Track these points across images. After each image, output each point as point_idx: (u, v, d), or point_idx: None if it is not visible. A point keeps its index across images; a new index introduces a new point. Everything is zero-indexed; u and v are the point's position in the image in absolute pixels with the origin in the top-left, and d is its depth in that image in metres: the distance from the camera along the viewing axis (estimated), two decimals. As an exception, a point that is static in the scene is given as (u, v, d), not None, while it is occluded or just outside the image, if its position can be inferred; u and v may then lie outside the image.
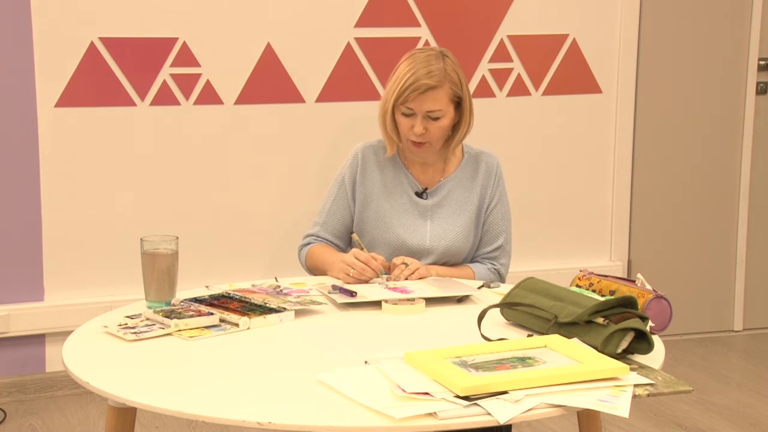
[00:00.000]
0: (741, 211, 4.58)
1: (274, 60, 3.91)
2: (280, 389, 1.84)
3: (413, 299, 2.37)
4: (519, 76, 4.21)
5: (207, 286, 2.50)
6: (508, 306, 2.20)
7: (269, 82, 3.91)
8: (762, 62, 4.51)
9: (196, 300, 2.33)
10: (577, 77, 4.29)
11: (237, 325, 2.18)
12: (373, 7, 3.98)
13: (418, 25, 4.04)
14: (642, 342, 1.97)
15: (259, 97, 3.91)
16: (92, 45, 3.70)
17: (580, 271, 2.54)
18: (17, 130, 3.69)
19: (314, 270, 2.83)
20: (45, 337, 3.80)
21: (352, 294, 2.40)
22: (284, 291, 2.46)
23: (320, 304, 2.37)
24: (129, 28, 3.74)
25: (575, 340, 1.98)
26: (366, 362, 1.91)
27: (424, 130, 2.72)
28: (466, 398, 1.70)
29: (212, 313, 2.21)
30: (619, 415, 1.70)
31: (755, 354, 4.40)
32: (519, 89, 4.22)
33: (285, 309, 2.27)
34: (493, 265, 2.85)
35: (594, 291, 2.40)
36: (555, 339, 1.96)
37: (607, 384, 1.79)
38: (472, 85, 4.11)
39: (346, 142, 3.30)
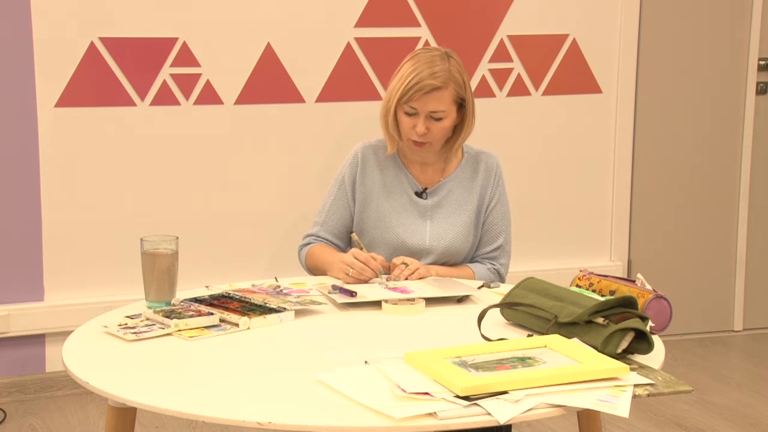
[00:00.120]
0: (741, 211, 4.58)
1: (274, 60, 3.91)
2: (280, 389, 1.84)
3: (413, 299, 2.37)
4: (519, 76, 4.21)
5: (207, 286, 2.50)
6: (508, 306, 2.20)
7: (269, 82, 3.91)
8: (762, 62, 4.51)
9: (196, 300, 2.33)
10: (577, 77, 4.29)
11: (237, 325, 2.18)
12: (373, 7, 3.98)
13: (418, 25, 4.04)
14: (642, 342, 1.97)
15: (259, 97, 3.91)
16: (92, 45, 3.71)
17: (580, 271, 2.54)
18: (17, 130, 3.69)
19: (314, 270, 2.83)
20: (45, 337, 3.80)
21: (352, 294, 2.40)
22: (284, 291, 2.46)
23: (320, 304, 2.37)
24: (129, 28, 3.74)
25: (575, 340, 1.98)
26: (366, 362, 1.91)
27: (426, 130, 2.72)
28: (466, 398, 1.70)
29: (212, 313, 2.21)
30: (619, 415, 1.70)
31: (755, 354, 4.40)
32: (519, 89, 4.22)
33: (285, 309, 2.27)
34: (493, 265, 2.85)
35: (594, 291, 2.40)
36: (555, 339, 1.96)
37: (607, 384, 1.79)
38: (472, 85, 4.10)
39: (346, 142, 3.30)
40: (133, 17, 3.74)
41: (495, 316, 2.21)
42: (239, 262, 3.94)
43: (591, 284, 2.44)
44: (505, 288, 2.54)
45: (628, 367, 1.83)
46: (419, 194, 2.83)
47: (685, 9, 4.40)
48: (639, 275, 2.43)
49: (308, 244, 2.88)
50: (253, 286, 2.51)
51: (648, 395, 1.79)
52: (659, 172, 4.48)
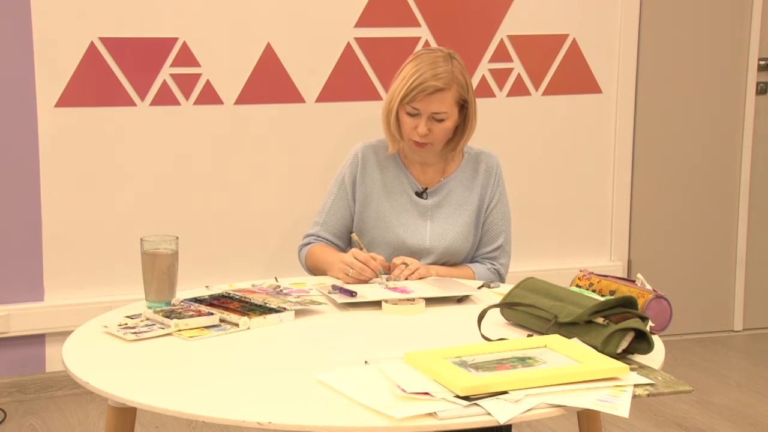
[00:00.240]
0: (741, 211, 4.58)
1: (274, 60, 3.91)
2: (280, 389, 1.84)
3: (413, 299, 2.37)
4: (519, 76, 4.21)
5: (207, 286, 2.50)
6: (508, 306, 2.20)
7: (269, 82, 3.91)
8: (762, 62, 4.51)
9: (196, 300, 2.33)
10: (577, 77, 4.29)
11: (237, 325, 2.18)
12: (373, 7, 3.98)
13: (418, 25, 4.04)
14: (642, 342, 1.97)
15: (259, 97, 3.91)
16: (92, 45, 3.71)
17: (580, 271, 2.54)
18: (17, 130, 3.69)
19: (314, 270, 2.83)
20: (45, 337, 3.80)
21: (352, 294, 2.40)
22: (284, 291, 2.46)
23: (320, 304, 2.37)
24: (129, 28, 3.74)
25: (575, 340, 1.98)
26: (366, 362, 1.91)
27: (428, 130, 2.72)
28: (466, 398, 1.70)
29: (212, 313, 2.21)
30: (619, 415, 1.70)
31: (755, 354, 4.40)
32: (519, 89, 4.22)
33: (285, 309, 2.27)
34: (493, 265, 2.85)
35: (594, 291, 2.40)
36: (555, 339, 1.96)
37: (607, 384, 1.79)
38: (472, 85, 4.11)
39: (346, 142, 3.30)
40: (133, 17, 3.74)
41: (495, 316, 2.21)
42: (239, 262, 3.94)
43: (591, 284, 2.44)
44: (505, 288, 2.54)
45: (628, 367, 1.83)
46: (419, 194, 2.83)
47: (685, 9, 4.40)
48: (639, 275, 2.43)
49: (308, 244, 2.88)
50: (253, 286, 2.51)
51: (648, 395, 1.79)
52: (659, 172, 4.48)
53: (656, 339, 2.05)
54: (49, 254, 3.77)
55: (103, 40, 3.71)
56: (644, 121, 4.42)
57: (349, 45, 3.98)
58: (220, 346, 2.09)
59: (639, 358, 1.97)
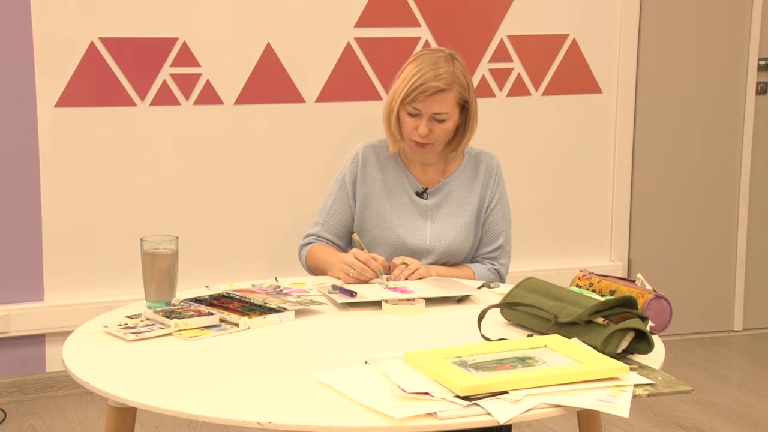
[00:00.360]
0: (741, 211, 4.58)
1: (274, 60, 3.91)
2: (280, 389, 1.84)
3: (413, 299, 2.37)
4: (519, 76, 4.21)
5: (207, 286, 2.50)
6: (508, 306, 2.20)
7: (269, 82, 3.91)
8: (762, 62, 4.51)
9: (196, 300, 2.33)
10: (577, 77, 4.29)
11: (237, 325, 2.18)
12: (373, 7, 3.98)
13: (418, 25, 4.04)
14: (642, 342, 1.97)
15: (259, 97, 3.91)
16: (92, 45, 3.71)
17: (580, 271, 2.54)
18: (17, 130, 3.69)
19: (314, 270, 2.83)
20: (45, 337, 3.80)
21: (352, 294, 2.40)
22: (284, 291, 2.46)
23: (320, 304, 2.37)
24: (129, 28, 3.74)
25: (575, 340, 1.98)
26: (366, 362, 1.91)
27: (429, 131, 2.72)
28: (466, 398, 1.70)
29: (212, 313, 2.21)
30: (619, 415, 1.70)
31: (755, 354, 4.40)
32: (519, 89, 4.22)
33: (285, 309, 2.27)
34: (493, 265, 2.85)
35: (594, 291, 2.40)
36: (555, 339, 1.96)
37: (607, 384, 1.79)
38: (472, 85, 4.11)
39: (346, 142, 3.30)
40: (133, 17, 3.74)
41: (495, 316, 2.21)
42: (239, 262, 3.94)
43: (591, 284, 2.44)
44: (505, 288, 2.54)
45: (628, 367, 1.83)
46: (420, 194, 2.83)
47: (685, 9, 4.40)
48: (639, 275, 2.43)
49: (309, 243, 2.88)
50: (253, 286, 2.51)
51: (648, 395, 1.79)
52: (659, 172, 4.48)
53: (656, 339, 2.05)
54: (49, 254, 3.77)
55: (103, 40, 3.71)
56: (644, 121, 4.42)
57: (349, 45, 3.98)
58: (220, 346, 2.09)
59: (639, 358, 1.97)
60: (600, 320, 2.00)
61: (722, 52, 4.47)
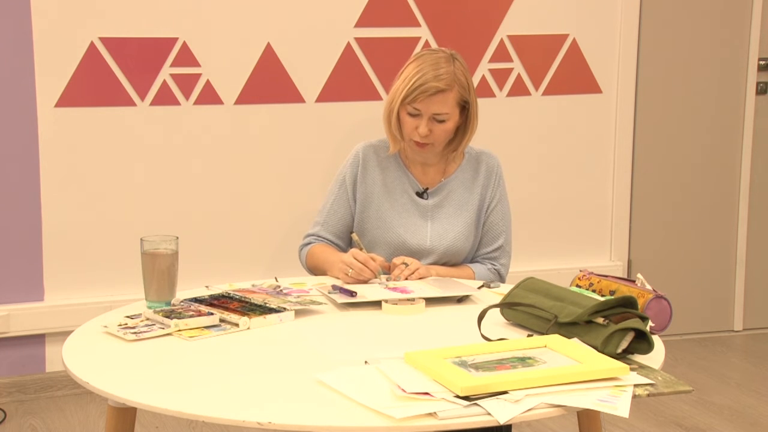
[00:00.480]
0: (741, 211, 4.58)
1: (274, 60, 3.91)
2: (280, 389, 1.84)
3: (413, 299, 2.37)
4: (519, 76, 4.21)
5: (207, 286, 2.50)
6: (508, 306, 2.20)
7: (269, 82, 3.91)
8: (762, 62, 4.51)
9: (196, 300, 2.33)
10: (577, 77, 4.29)
11: (237, 325, 2.18)
12: (373, 7, 3.98)
13: (418, 25, 4.04)
14: (642, 342, 1.97)
15: (259, 97, 3.91)
16: (92, 45, 3.71)
17: (580, 271, 2.54)
18: (17, 130, 3.69)
19: (314, 270, 2.83)
20: (45, 337, 3.80)
21: (352, 294, 2.40)
22: (284, 291, 2.46)
23: (320, 304, 2.37)
24: (129, 28, 3.74)
25: (575, 340, 1.98)
26: (366, 362, 1.91)
27: (429, 131, 2.72)
28: (466, 398, 1.70)
29: (212, 313, 2.21)
30: (619, 415, 1.70)
31: (755, 354, 4.40)
32: (519, 89, 4.22)
33: (285, 309, 2.27)
34: (493, 265, 2.85)
35: (594, 291, 2.40)
36: (555, 339, 1.96)
37: (607, 384, 1.79)
38: (472, 85, 4.11)
39: (346, 142, 3.30)
40: (133, 17, 3.74)
41: (495, 316, 2.21)
42: (239, 262, 3.94)
43: (591, 284, 2.44)
44: (505, 288, 2.54)
45: (628, 367, 1.83)
46: (420, 194, 2.83)
47: (685, 9, 4.40)
48: (639, 275, 2.43)
49: (309, 243, 2.88)
50: (253, 286, 2.51)
51: (648, 395, 1.79)
52: (659, 172, 4.48)
53: (656, 339, 2.05)
54: (49, 254, 3.77)
55: (103, 40, 3.71)
56: (644, 121, 4.42)
57: (349, 45, 3.98)
58: (220, 346, 2.09)
59: (639, 358, 1.97)
60: (600, 320, 2.00)
61: (722, 52, 4.47)
